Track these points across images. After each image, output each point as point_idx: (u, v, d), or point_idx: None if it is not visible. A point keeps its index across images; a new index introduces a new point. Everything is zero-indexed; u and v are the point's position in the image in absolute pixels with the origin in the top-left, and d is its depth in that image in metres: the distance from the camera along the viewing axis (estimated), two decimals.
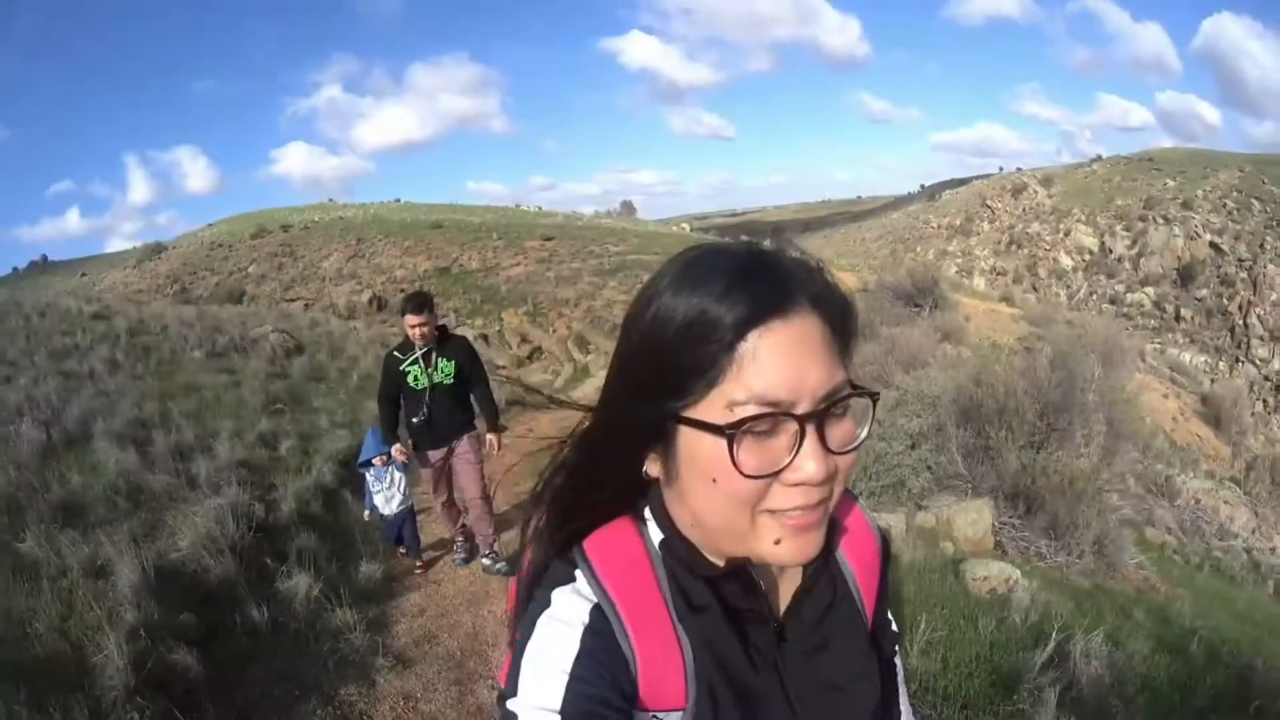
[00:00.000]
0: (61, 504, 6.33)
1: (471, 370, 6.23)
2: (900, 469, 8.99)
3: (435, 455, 6.28)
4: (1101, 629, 5.22)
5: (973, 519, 7.94)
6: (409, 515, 6.65)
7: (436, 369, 6.06)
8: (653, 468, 0.98)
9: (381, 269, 46.84)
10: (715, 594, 0.98)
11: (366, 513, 6.75)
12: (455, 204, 78.72)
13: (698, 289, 0.88)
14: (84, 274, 71.60)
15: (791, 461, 0.86)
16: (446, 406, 6.14)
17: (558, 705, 0.88)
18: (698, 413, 0.87)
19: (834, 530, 1.03)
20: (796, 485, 0.87)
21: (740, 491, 0.87)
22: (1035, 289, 65.01)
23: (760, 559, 0.93)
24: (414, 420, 6.17)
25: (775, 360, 0.85)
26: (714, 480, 0.88)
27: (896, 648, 1.21)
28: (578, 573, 0.99)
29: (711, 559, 0.98)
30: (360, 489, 6.97)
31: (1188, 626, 6.29)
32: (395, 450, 6.22)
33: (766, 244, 0.97)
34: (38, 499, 6.31)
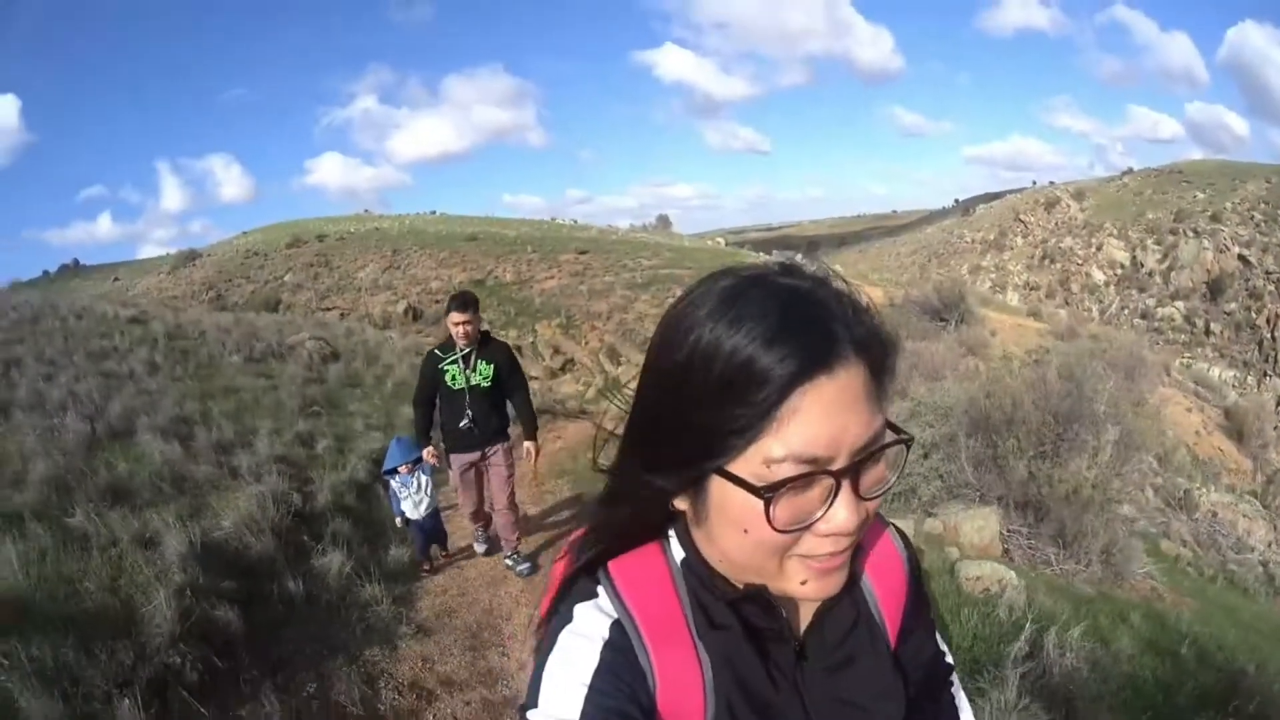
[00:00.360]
0: (109, 487, 6.64)
1: (510, 376, 6.23)
2: (912, 477, 9.01)
3: (467, 459, 6.28)
4: (1081, 625, 5.40)
5: (979, 525, 8.05)
6: (437, 517, 6.75)
7: (475, 370, 6.05)
8: (681, 503, 0.98)
9: (417, 280, 46.65)
10: (736, 614, 1.00)
11: (398, 520, 6.71)
12: (491, 216, 78.63)
13: (739, 329, 0.85)
14: (117, 278, 71.95)
15: (825, 514, 0.87)
16: (482, 410, 6.12)
17: (576, 717, 0.90)
18: (734, 467, 0.87)
19: (856, 555, 1.01)
20: (829, 535, 0.88)
21: (771, 542, 0.88)
22: (1068, 304, 64.10)
23: (785, 595, 0.95)
24: (448, 422, 6.21)
25: (817, 418, 0.84)
26: (745, 530, 0.88)
27: (954, 678, 1.23)
28: (600, 589, 1.01)
29: (732, 582, 0.99)
30: (388, 494, 6.96)
31: (1184, 632, 6.28)
32: (426, 453, 6.33)
33: (805, 265, 0.96)
34: (85, 482, 6.62)
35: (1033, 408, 9.50)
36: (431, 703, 4.74)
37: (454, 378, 6.04)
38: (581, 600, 1.00)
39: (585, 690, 0.91)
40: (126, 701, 3.85)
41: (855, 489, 0.86)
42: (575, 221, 76.49)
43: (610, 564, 1.03)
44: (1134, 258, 68.00)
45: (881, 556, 1.15)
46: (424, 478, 6.52)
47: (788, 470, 0.83)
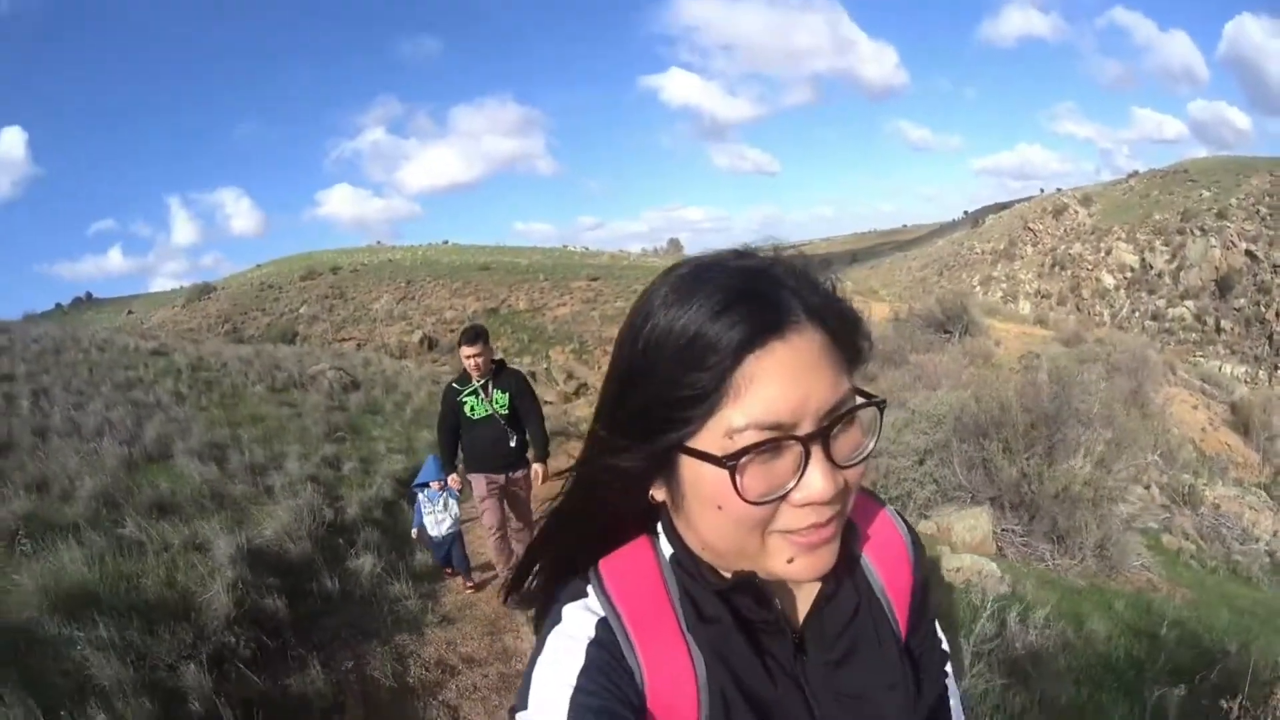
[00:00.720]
0: (154, 502, 7.23)
1: (524, 403, 6.36)
2: (907, 482, 9.44)
3: (490, 483, 6.36)
4: (1047, 608, 5.80)
5: (970, 525, 8.32)
6: (457, 538, 6.97)
7: (493, 400, 6.21)
8: (659, 493, 0.97)
9: (431, 310, 47.22)
10: (728, 606, 0.98)
11: (414, 530, 7.12)
12: (503, 245, 78.41)
13: (690, 307, 0.86)
14: (130, 311, 72.55)
15: (798, 482, 0.85)
16: (502, 437, 6.25)
17: (564, 718, 0.89)
18: (698, 442, 0.87)
19: (854, 536, 1.04)
20: (805, 505, 0.86)
21: (747, 517, 0.86)
22: (1079, 310, 63.71)
23: (774, 577, 0.93)
24: (470, 448, 6.35)
25: (775, 383, 0.84)
26: (719, 507, 0.88)
27: (948, 668, 1.19)
28: (589, 588, 1.01)
29: (722, 572, 0.97)
30: (413, 507, 7.27)
31: (1171, 617, 6.43)
32: (451, 479, 6.54)
33: (760, 248, 0.98)
34: (132, 498, 7.20)
35: (1020, 410, 9.80)
36: (454, 676, 5.39)
37: (473, 409, 6.22)
38: (570, 600, 1.01)
39: (571, 691, 0.90)
40: (192, 667, 4.46)
41: (828, 455, 0.86)
42: (587, 248, 76.20)
43: (600, 562, 1.03)
44: (1143, 260, 67.65)
45: (882, 538, 1.13)
46: (451, 500, 6.82)
47: (750, 438, 0.84)
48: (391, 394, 16.44)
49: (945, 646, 1.19)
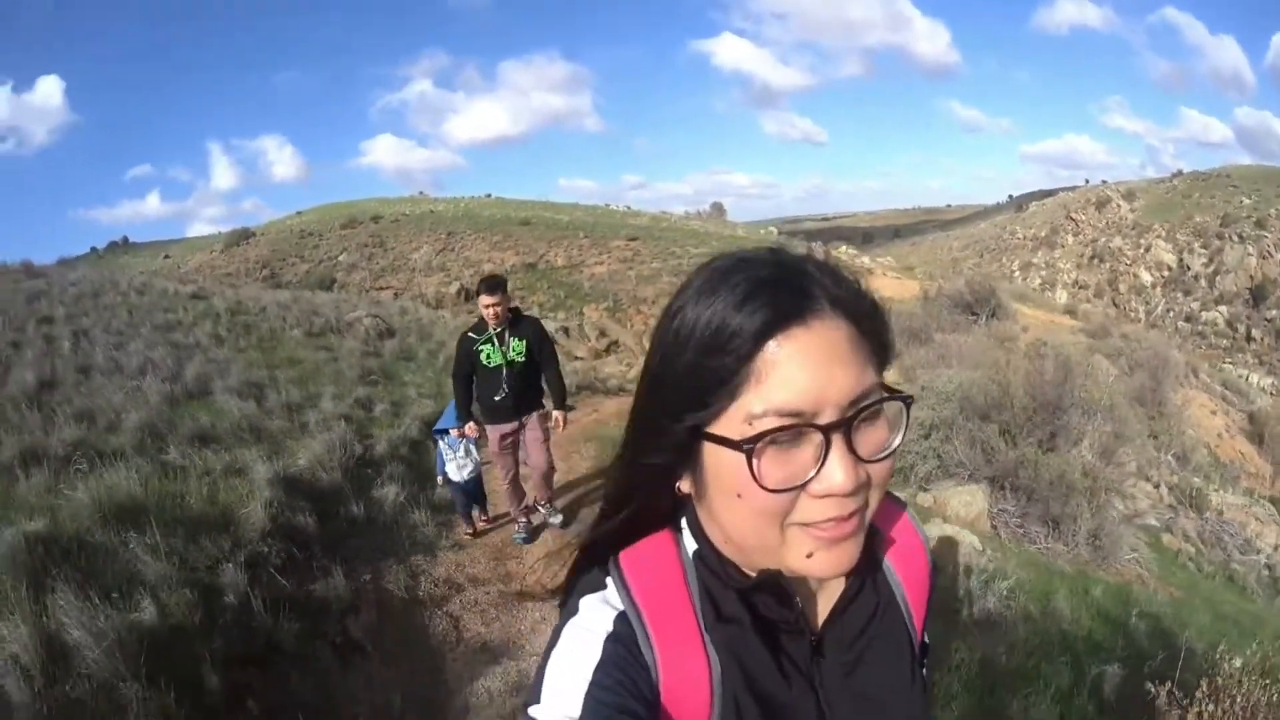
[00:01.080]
0: (195, 433, 7.75)
1: (541, 350, 6.45)
2: (910, 455, 9.65)
3: (505, 430, 6.51)
4: (1011, 579, 6.14)
5: (966, 500, 8.57)
6: (478, 481, 7.09)
7: (509, 348, 6.27)
8: (685, 484, 0.97)
9: (470, 262, 47.68)
10: (748, 605, 0.97)
11: (440, 478, 7.29)
12: (545, 200, 78.66)
13: (716, 298, 0.87)
14: (167, 255, 73.37)
15: (818, 473, 0.85)
16: (518, 385, 6.36)
17: (577, 713, 0.88)
18: (718, 428, 0.87)
19: (877, 539, 1.03)
20: (825, 497, 0.86)
21: (766, 505, 0.86)
22: (1115, 305, 63.50)
23: (794, 573, 0.92)
24: (486, 397, 6.44)
25: (796, 369, 0.84)
26: (739, 495, 0.87)
27: (925, 659, 1.17)
28: (609, 580, 1.00)
29: (745, 570, 0.96)
30: (437, 451, 7.34)
31: (1146, 609, 6.64)
32: (468, 428, 6.56)
33: (794, 249, 0.98)
34: (175, 429, 7.74)
35: (1023, 395, 10.07)
36: (459, 593, 6.03)
37: (489, 356, 6.28)
38: (589, 592, 1.00)
39: (586, 685, 0.90)
40: (229, 567, 5.07)
41: (850, 447, 0.85)
42: (629, 207, 75.86)
43: (621, 555, 1.02)
44: (1180, 260, 67.25)
45: (904, 543, 1.11)
46: (470, 446, 6.87)
47: (769, 424, 0.83)
48: (426, 342, 16.65)
49: (926, 639, 1.16)
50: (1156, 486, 13.01)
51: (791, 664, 0.98)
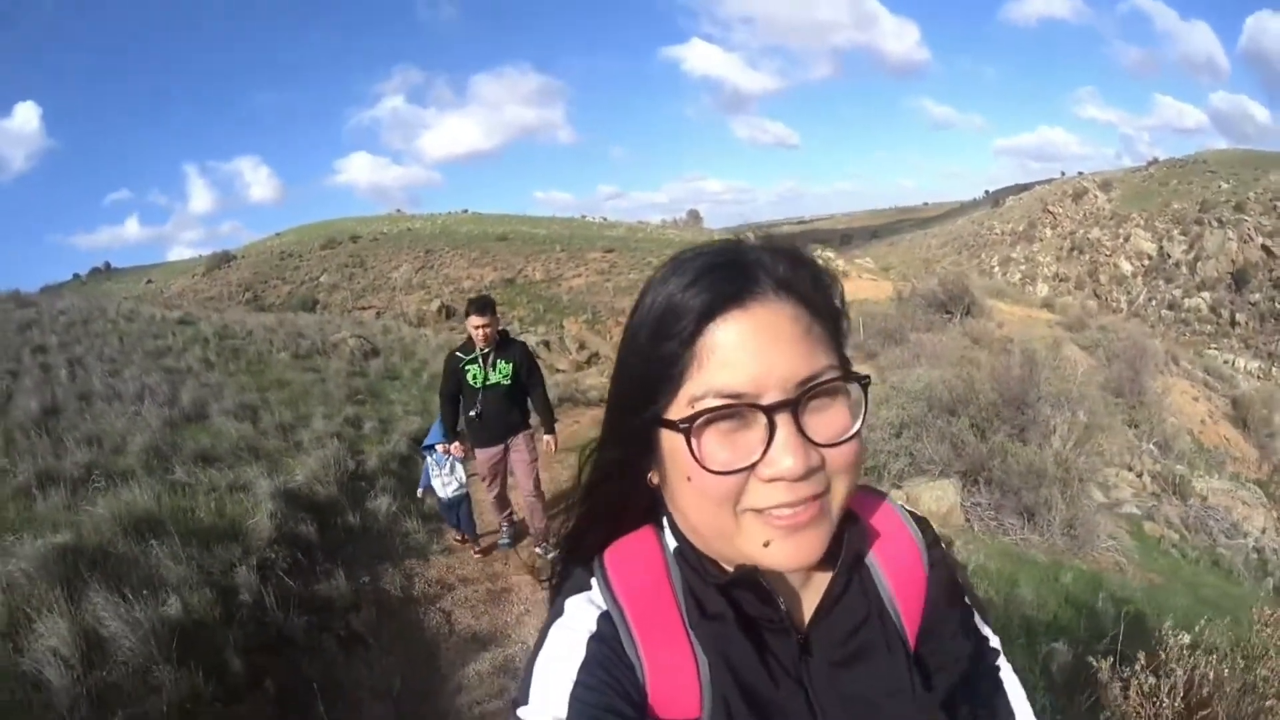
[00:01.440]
0: (198, 454, 8.12)
1: (529, 374, 6.54)
2: (882, 455, 9.84)
3: (490, 452, 6.60)
4: (970, 564, 6.43)
5: (937, 495, 8.72)
6: (464, 499, 7.19)
7: (495, 369, 6.35)
8: (654, 475, 0.98)
9: (450, 279, 48.16)
10: (731, 602, 0.95)
11: (420, 491, 7.56)
12: (522, 215, 78.32)
13: (668, 284, 0.89)
14: (149, 281, 73.04)
15: (763, 455, 0.84)
16: (502, 406, 6.44)
17: (564, 713, 0.88)
18: (669, 413, 0.88)
19: (858, 534, 0.99)
20: (774, 481, 0.85)
21: (713, 489, 0.86)
22: (1097, 295, 63.37)
23: (757, 563, 0.90)
24: (471, 415, 6.50)
25: (733, 351, 0.84)
26: (688, 479, 0.88)
27: (1000, 662, 1.09)
28: (594, 580, 1.00)
29: (722, 565, 0.95)
30: (424, 466, 7.52)
31: (1116, 594, 6.70)
32: (453, 447, 6.73)
33: (753, 236, 0.98)
34: (178, 450, 8.09)
35: (989, 390, 10.43)
36: (450, 591, 6.55)
37: (475, 376, 6.37)
38: (574, 593, 1.00)
39: (571, 686, 0.90)
40: (243, 569, 5.58)
41: (799, 429, 0.84)
42: (604, 219, 75.73)
43: (606, 553, 1.02)
44: (1160, 248, 67.40)
45: (890, 538, 1.07)
46: (457, 464, 7.02)
47: (708, 404, 0.84)
48: (409, 360, 17.00)
49: (994, 641, 1.09)
50: (1139, 475, 13.25)
51: (778, 663, 0.96)
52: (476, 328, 6.29)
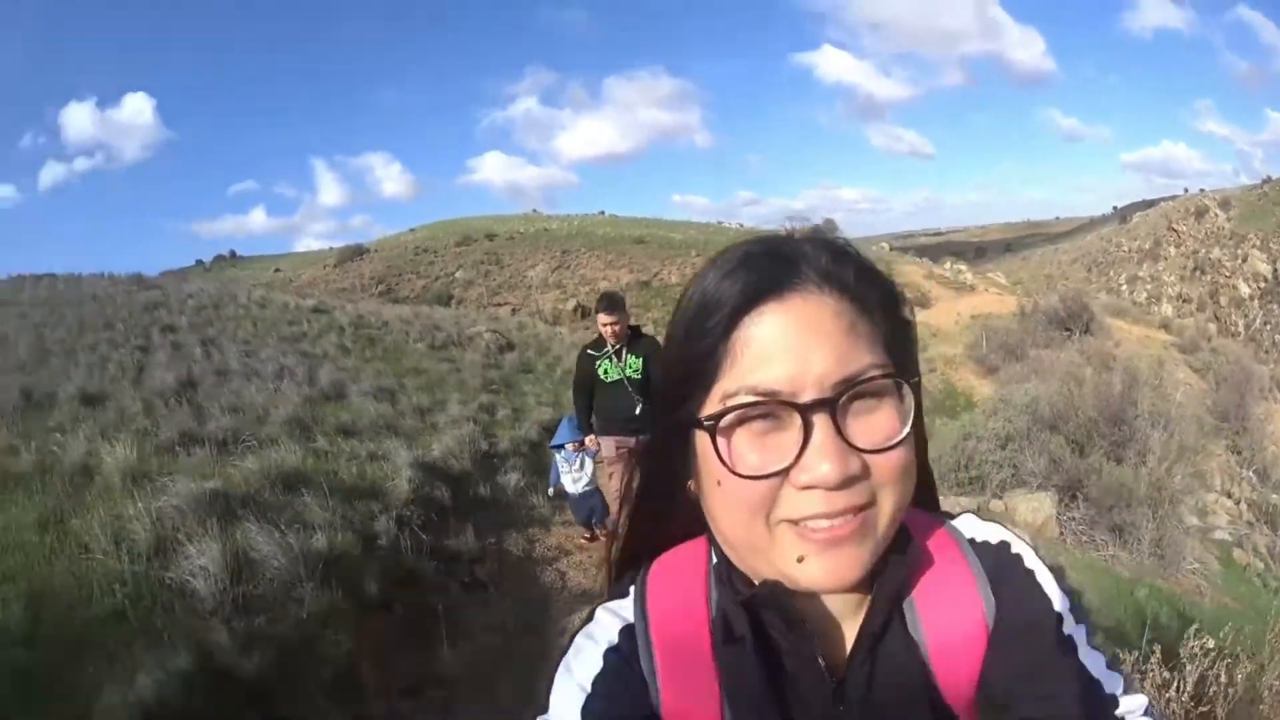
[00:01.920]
0: (338, 427, 8.79)
1: (656, 368, 6.02)
2: (986, 465, 10.24)
3: (619, 446, 6.49)
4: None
5: (1034, 507, 9.14)
6: (594, 494, 7.34)
7: (626, 364, 6.33)
8: (693, 483, 0.90)
9: (585, 280, 48.32)
10: (755, 624, 0.86)
11: (550, 489, 7.78)
12: (658, 218, 77.22)
13: (708, 274, 0.84)
14: (278, 269, 73.89)
15: (798, 459, 0.77)
16: (634, 400, 6.35)
17: None
18: (702, 412, 0.82)
19: (901, 562, 0.86)
20: (809, 489, 0.77)
21: (742, 494, 0.79)
22: (1217, 318, 61.64)
23: (789, 581, 0.81)
24: (604, 411, 6.51)
25: (768, 346, 0.78)
26: (719, 483, 0.81)
27: (1139, 705, 0.85)
28: (632, 589, 0.94)
29: (754, 582, 0.86)
30: (554, 464, 7.72)
31: (1185, 613, 6.64)
32: (588, 440, 6.80)
33: (804, 228, 0.91)
34: (319, 424, 8.71)
35: (1090, 406, 10.71)
36: (567, 556, 7.27)
37: (606, 372, 6.36)
38: (611, 599, 0.95)
39: (584, 695, 0.86)
40: (383, 518, 6.33)
41: (839, 432, 0.76)
42: (741, 224, 75.28)
43: (655, 562, 0.96)
44: (1275, 270, 65.33)
45: (940, 575, 0.90)
46: (587, 459, 7.21)
47: (739, 401, 0.78)
48: (544, 356, 17.48)
49: (1110, 687, 0.85)
50: (1237, 502, 13.13)
51: (804, 708, 0.87)
52: (605, 325, 6.33)
